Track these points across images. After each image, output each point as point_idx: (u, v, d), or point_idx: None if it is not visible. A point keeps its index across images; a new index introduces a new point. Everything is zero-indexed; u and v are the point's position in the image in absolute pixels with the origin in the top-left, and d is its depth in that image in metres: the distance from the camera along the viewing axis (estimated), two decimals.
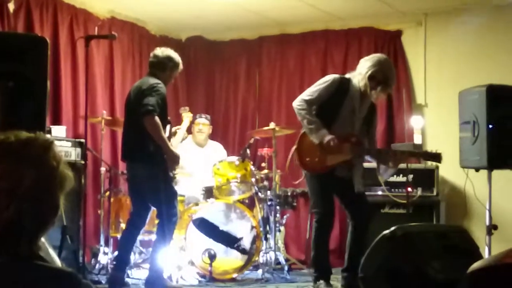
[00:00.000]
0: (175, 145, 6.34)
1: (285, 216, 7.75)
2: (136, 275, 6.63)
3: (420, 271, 3.49)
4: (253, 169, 7.14)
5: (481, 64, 7.81)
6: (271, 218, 7.08)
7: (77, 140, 6.79)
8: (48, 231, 1.75)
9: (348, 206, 6.03)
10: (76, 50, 7.54)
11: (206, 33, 9.29)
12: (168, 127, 6.17)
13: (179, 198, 6.43)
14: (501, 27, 7.88)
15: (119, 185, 7.37)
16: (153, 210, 6.31)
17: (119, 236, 6.72)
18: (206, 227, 6.83)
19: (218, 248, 6.76)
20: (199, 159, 7.75)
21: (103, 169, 7.00)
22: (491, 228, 5.76)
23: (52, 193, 1.73)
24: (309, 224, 8.36)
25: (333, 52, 8.62)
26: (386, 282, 3.59)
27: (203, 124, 7.87)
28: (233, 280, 6.72)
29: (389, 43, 8.30)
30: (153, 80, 6.05)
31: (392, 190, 7.41)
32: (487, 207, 5.82)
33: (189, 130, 7.65)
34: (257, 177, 7.22)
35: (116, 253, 6.48)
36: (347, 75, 6.02)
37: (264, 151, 7.56)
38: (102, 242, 6.84)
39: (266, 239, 7.04)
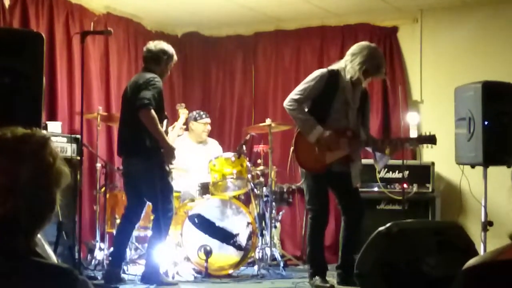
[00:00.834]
0: (171, 140, 6.33)
1: (281, 212, 7.76)
2: (132, 270, 6.62)
3: (415, 267, 3.50)
4: (249, 165, 7.14)
5: (477, 61, 7.82)
6: (267, 214, 7.09)
7: (73, 136, 6.78)
8: (45, 227, 1.76)
9: (343, 201, 6.04)
10: (71, 46, 7.53)
11: (202, 29, 9.28)
12: (165, 122, 6.17)
13: (174, 194, 6.43)
14: (497, 24, 7.88)
15: (114, 181, 7.37)
16: (149, 205, 6.32)
17: (114, 231, 6.72)
18: (202, 223, 6.83)
19: (214, 244, 6.76)
20: (196, 155, 7.74)
21: (98, 165, 6.99)
22: (487, 225, 5.78)
23: (48, 189, 1.73)
24: (305, 220, 8.37)
25: (329, 48, 8.62)
26: (381, 278, 3.60)
27: (209, 124, 7.87)
28: (229, 276, 6.72)
29: (385, 39, 8.30)
30: (149, 75, 6.05)
31: (388, 186, 7.42)
32: (483, 203, 5.83)
33: (186, 127, 7.65)
34: (253, 173, 7.22)
35: (112, 249, 6.48)
36: (334, 67, 5.98)
37: (260, 147, 7.57)
38: (98, 238, 6.85)
39: (262, 235, 7.04)
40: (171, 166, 6.19)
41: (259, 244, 6.95)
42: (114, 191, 7.07)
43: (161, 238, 6.10)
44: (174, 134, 6.84)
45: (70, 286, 1.66)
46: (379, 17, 8.36)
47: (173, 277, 6.39)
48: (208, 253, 6.64)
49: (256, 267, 6.85)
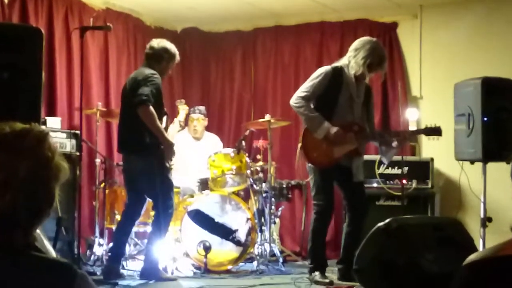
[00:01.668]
0: (171, 136, 6.33)
1: (280, 208, 7.76)
2: (131, 266, 6.63)
3: (415, 263, 3.50)
4: (248, 161, 7.14)
5: (477, 57, 7.81)
6: (266, 210, 7.09)
7: (72, 131, 6.78)
8: (44, 222, 1.75)
9: (348, 196, 6.08)
10: (71, 41, 7.52)
11: (201, 25, 9.27)
12: (164, 118, 6.17)
13: (174, 190, 6.43)
14: (496, 19, 7.88)
15: (114, 176, 7.37)
16: (149, 202, 6.32)
17: (114, 227, 6.72)
18: (201, 218, 6.83)
19: (213, 239, 6.76)
20: (195, 151, 7.74)
21: (98, 160, 6.99)
22: (486, 221, 5.78)
23: (47, 184, 1.72)
24: (304, 216, 8.38)
25: (328, 44, 8.61)
26: (380, 274, 3.60)
27: (197, 120, 7.82)
28: (228, 271, 6.73)
29: (384, 35, 8.29)
30: (148, 71, 6.05)
31: (387, 182, 7.42)
32: (482, 199, 5.83)
33: (186, 123, 7.64)
34: (252, 169, 7.22)
35: (111, 244, 6.49)
36: (337, 64, 6.06)
37: (260, 143, 7.56)
38: (97, 233, 6.84)
39: (261, 231, 7.04)
40: (171, 163, 6.19)
41: (258, 240, 6.95)
42: (114, 187, 7.07)
43: (161, 234, 6.10)
44: (174, 130, 6.84)
45: (69, 281, 1.66)
46: (378, 13, 8.35)
47: (172, 273, 6.39)
48: (207, 249, 6.64)
49: (255, 263, 6.85)
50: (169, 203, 6.12)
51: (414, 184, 7.40)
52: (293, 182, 8.26)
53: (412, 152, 8.05)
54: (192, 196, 7.15)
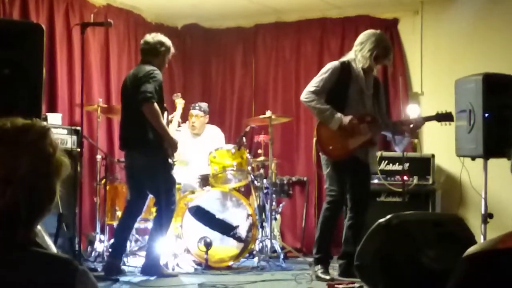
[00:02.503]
0: (171, 132, 6.33)
1: (281, 204, 7.76)
2: (132, 262, 6.63)
3: (415, 260, 3.50)
4: (249, 157, 7.14)
5: (478, 53, 7.81)
6: (267, 206, 7.09)
7: (73, 127, 6.78)
8: (45, 217, 1.75)
9: (354, 189, 6.08)
10: (71, 37, 7.52)
11: (202, 21, 9.27)
12: (165, 114, 6.17)
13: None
14: (497, 15, 7.87)
15: (115, 172, 7.37)
16: (150, 198, 6.32)
17: (115, 223, 6.73)
18: (202, 215, 6.83)
19: (214, 236, 6.77)
20: (195, 147, 7.74)
21: (99, 156, 6.99)
22: (487, 217, 5.78)
23: (48, 180, 1.72)
24: (305, 212, 8.38)
25: (329, 40, 8.61)
26: (381, 270, 3.60)
27: (196, 116, 7.81)
28: (229, 268, 6.73)
29: (385, 32, 8.22)
30: (149, 67, 6.05)
31: (388, 178, 7.42)
32: (483, 195, 5.83)
33: (185, 117, 7.63)
34: (253, 165, 7.23)
35: (112, 240, 6.49)
36: (344, 58, 6.14)
37: (261, 137, 7.56)
38: (98, 229, 6.85)
39: (262, 227, 7.05)
40: (174, 159, 6.20)
41: (259, 236, 6.96)
42: (114, 183, 7.07)
43: (163, 231, 6.11)
44: (174, 126, 6.84)
45: (70, 276, 1.66)
46: (379, 9, 8.34)
47: (173, 269, 6.40)
48: (208, 245, 6.64)
49: (256, 259, 6.86)
50: (171, 199, 6.13)
51: (415, 180, 7.40)
52: (294, 179, 8.26)
53: (413, 149, 8.05)
54: (193, 192, 7.15)
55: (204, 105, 7.94)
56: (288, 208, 8.44)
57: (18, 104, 4.04)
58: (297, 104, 8.43)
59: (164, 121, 6.08)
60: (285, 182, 7.84)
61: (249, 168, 7.11)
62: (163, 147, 6.00)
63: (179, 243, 6.75)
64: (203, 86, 9.32)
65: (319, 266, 6.01)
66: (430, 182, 7.46)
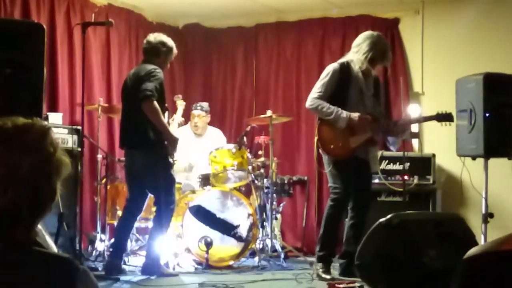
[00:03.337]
0: (172, 132, 6.34)
1: (281, 204, 7.76)
2: (133, 262, 6.63)
3: (416, 259, 3.50)
4: (250, 156, 7.14)
5: (479, 52, 7.81)
6: (268, 206, 7.09)
7: (74, 127, 6.78)
8: (45, 217, 1.76)
9: (357, 188, 6.08)
10: (72, 37, 7.52)
11: (203, 20, 9.27)
12: (166, 113, 6.17)
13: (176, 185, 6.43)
14: (498, 15, 7.87)
15: (115, 172, 7.37)
16: (150, 197, 6.32)
17: (115, 223, 6.72)
18: (203, 214, 6.83)
19: (215, 235, 6.77)
20: (198, 148, 7.74)
21: (99, 156, 6.99)
22: (487, 216, 5.78)
23: (49, 179, 1.73)
24: (306, 211, 8.39)
25: (330, 40, 8.60)
26: (381, 269, 3.60)
27: (198, 116, 7.82)
28: (229, 267, 6.73)
29: (386, 31, 8.27)
30: (150, 66, 6.05)
31: (389, 178, 7.42)
32: (484, 195, 5.83)
33: (186, 119, 7.64)
34: (253, 164, 7.23)
35: (112, 240, 6.49)
36: (343, 59, 6.13)
37: (261, 138, 7.56)
38: (98, 229, 6.85)
39: (263, 226, 7.05)
40: (174, 159, 6.20)
41: (260, 235, 6.96)
42: (115, 183, 7.08)
43: (163, 230, 6.11)
44: (174, 127, 6.84)
45: (71, 276, 1.67)
46: (380, 8, 8.34)
47: (173, 268, 6.40)
48: (208, 245, 6.64)
49: (256, 258, 6.86)
50: (171, 198, 6.13)
51: (415, 180, 7.40)
52: (294, 178, 8.26)
53: (414, 148, 8.05)
54: (193, 192, 7.15)
55: (205, 104, 7.95)
56: (289, 207, 8.44)
57: (19, 104, 4.05)
58: (298, 103, 8.43)
59: (165, 120, 6.08)
60: (286, 181, 7.83)
61: (250, 167, 7.11)
62: (163, 146, 6.00)
63: (180, 243, 6.75)
64: (204, 85, 9.32)
65: (321, 265, 6.00)
66: (431, 181, 7.46)
